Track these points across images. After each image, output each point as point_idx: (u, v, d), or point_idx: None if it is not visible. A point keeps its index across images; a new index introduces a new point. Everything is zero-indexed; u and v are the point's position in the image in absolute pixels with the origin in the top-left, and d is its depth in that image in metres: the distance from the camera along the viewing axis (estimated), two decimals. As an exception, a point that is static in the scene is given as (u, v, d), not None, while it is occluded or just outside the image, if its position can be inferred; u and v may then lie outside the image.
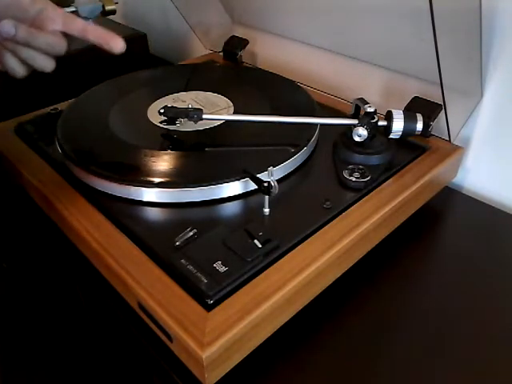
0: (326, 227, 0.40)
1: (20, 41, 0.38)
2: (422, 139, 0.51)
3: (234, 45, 0.74)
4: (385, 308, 0.42)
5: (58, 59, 0.41)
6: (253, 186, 0.43)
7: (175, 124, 0.50)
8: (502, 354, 0.38)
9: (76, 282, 0.51)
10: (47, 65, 0.41)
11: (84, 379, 0.66)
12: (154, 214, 0.42)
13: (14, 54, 0.40)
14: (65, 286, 0.57)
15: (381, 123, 0.47)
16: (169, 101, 0.56)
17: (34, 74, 0.41)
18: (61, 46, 0.40)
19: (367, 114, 0.47)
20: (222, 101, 0.56)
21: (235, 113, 0.54)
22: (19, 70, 0.41)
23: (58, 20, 0.40)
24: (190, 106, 0.49)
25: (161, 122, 0.51)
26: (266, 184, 0.40)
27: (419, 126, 0.47)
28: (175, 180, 0.43)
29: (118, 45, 0.41)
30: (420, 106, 0.52)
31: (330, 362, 0.37)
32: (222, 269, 0.35)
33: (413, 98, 0.53)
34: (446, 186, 0.53)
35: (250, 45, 0.74)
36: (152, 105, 0.55)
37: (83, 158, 0.46)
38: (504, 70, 0.50)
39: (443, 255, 0.47)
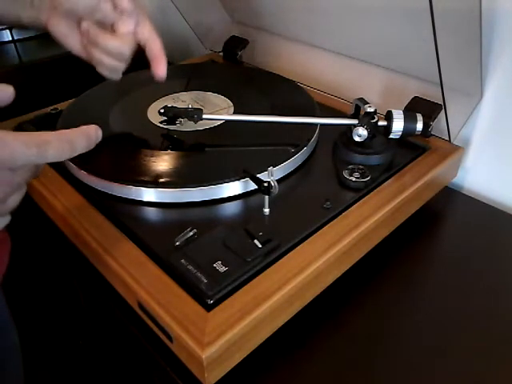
0: (326, 227, 0.40)
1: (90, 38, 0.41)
2: (422, 139, 0.51)
3: (234, 45, 0.74)
4: (385, 308, 0.42)
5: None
6: (253, 186, 0.43)
7: (175, 124, 0.50)
8: (502, 354, 0.38)
9: (76, 281, 0.51)
10: (115, 67, 0.43)
11: (84, 379, 0.67)
12: (154, 214, 0.42)
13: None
14: (65, 286, 0.57)
15: (381, 123, 0.47)
16: (169, 101, 0.56)
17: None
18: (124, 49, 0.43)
19: (367, 114, 0.47)
20: (222, 101, 0.56)
21: (235, 113, 0.54)
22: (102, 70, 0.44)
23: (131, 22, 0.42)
24: (190, 106, 0.49)
25: (161, 122, 0.51)
26: (266, 184, 0.39)
27: (419, 125, 0.47)
28: (175, 180, 0.43)
29: (160, 72, 0.45)
30: (420, 106, 0.52)
31: (329, 362, 0.37)
32: (222, 269, 0.35)
33: (413, 98, 0.53)
34: (446, 186, 0.53)
35: (250, 45, 0.74)
36: (152, 105, 0.55)
37: (83, 158, 0.46)
38: (504, 70, 0.50)
39: (443, 255, 0.47)
